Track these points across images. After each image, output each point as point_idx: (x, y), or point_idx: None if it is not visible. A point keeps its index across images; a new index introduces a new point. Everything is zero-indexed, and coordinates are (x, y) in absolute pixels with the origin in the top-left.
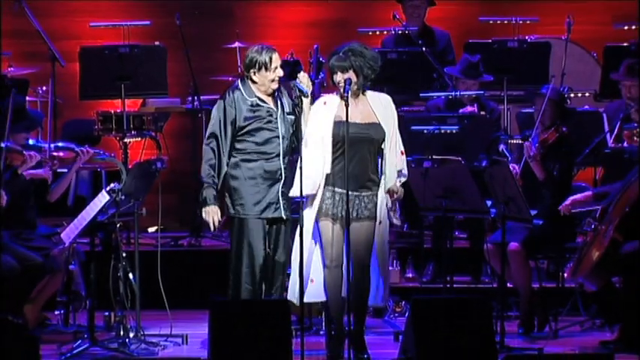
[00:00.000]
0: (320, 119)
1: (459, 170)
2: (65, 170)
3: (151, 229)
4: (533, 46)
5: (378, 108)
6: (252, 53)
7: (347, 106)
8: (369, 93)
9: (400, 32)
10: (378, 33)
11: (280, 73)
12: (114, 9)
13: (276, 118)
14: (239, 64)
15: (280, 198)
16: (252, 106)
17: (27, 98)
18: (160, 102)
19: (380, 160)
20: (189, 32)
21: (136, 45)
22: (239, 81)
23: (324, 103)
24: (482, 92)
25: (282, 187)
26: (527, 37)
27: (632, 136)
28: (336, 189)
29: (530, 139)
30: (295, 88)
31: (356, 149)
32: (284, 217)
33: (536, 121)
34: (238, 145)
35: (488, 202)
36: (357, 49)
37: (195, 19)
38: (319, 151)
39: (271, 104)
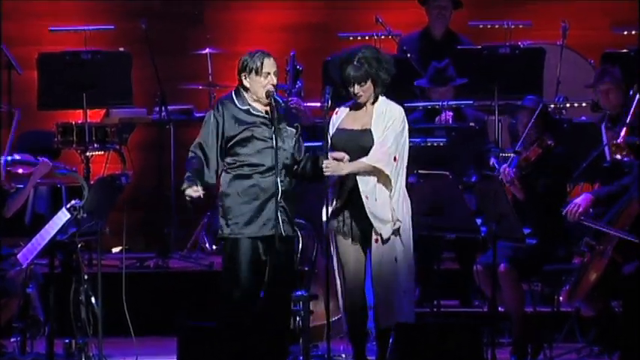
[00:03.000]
0: (330, 129)
1: (447, 186)
2: (21, 186)
3: (115, 250)
4: (526, 53)
5: (378, 115)
6: (245, 57)
7: (326, 115)
8: (381, 100)
9: (424, 33)
10: (359, 38)
11: (274, 80)
12: (75, 12)
13: (271, 128)
14: (210, 71)
15: (279, 214)
16: (244, 113)
17: None
18: (125, 112)
19: None
20: (155, 37)
21: (98, 51)
22: (234, 90)
23: (336, 112)
24: (470, 102)
25: (280, 202)
26: (519, 43)
27: (618, 151)
28: (337, 202)
29: (509, 161)
30: (271, 97)
31: (350, 158)
32: (284, 234)
33: (519, 136)
34: (229, 159)
35: (479, 220)
36: (370, 56)
37: (162, 23)
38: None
39: (265, 114)
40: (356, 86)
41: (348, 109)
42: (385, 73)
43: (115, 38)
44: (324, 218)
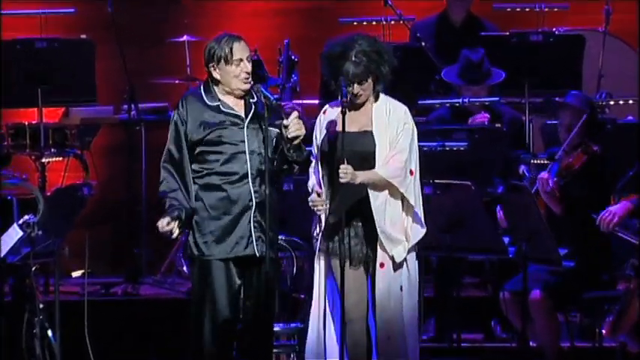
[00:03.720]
0: (317, 132)
1: (469, 198)
2: None
3: (76, 274)
4: (563, 40)
5: (380, 115)
6: (210, 44)
7: (344, 112)
8: (382, 98)
9: (441, 17)
10: (365, 24)
11: (248, 67)
12: None
13: (242, 129)
14: (188, 63)
15: (253, 231)
16: (212, 111)
17: None
18: (87, 111)
19: None
20: (124, 22)
21: (56, 38)
22: (202, 83)
23: (324, 112)
24: (496, 99)
25: (254, 217)
26: (554, 29)
27: None
28: (330, 217)
29: (548, 169)
30: (260, 93)
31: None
32: (257, 255)
33: (562, 139)
34: (196, 167)
35: (506, 239)
36: (370, 49)
37: (131, 5)
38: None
39: (239, 111)
40: (355, 85)
41: (340, 107)
42: (387, 66)
43: (75, 23)
44: (315, 235)
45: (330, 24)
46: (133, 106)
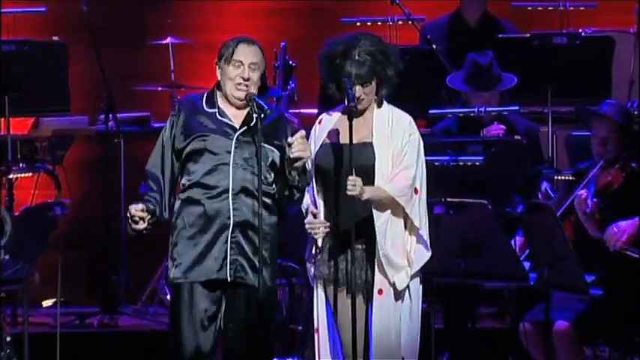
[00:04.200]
0: (311, 144)
1: (485, 218)
2: None
3: (47, 303)
4: (589, 43)
5: (381, 125)
6: (225, 42)
7: (351, 118)
8: (384, 107)
9: (454, 17)
10: (369, 24)
11: (246, 74)
12: None
13: (231, 139)
14: (172, 68)
15: (229, 252)
16: (206, 117)
17: None
18: (60, 122)
19: None
20: (100, 23)
21: (25, 41)
22: (212, 87)
23: (319, 121)
24: (515, 108)
25: (232, 237)
26: (580, 31)
27: None
28: (325, 240)
29: (583, 186)
30: (254, 102)
31: (344, 181)
32: (229, 280)
33: (596, 154)
34: (184, 179)
35: (526, 264)
36: (375, 49)
37: (109, 4)
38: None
39: (235, 121)
40: (358, 88)
41: (337, 116)
42: (392, 69)
43: (46, 24)
44: (311, 259)
45: (331, 24)
46: (110, 116)
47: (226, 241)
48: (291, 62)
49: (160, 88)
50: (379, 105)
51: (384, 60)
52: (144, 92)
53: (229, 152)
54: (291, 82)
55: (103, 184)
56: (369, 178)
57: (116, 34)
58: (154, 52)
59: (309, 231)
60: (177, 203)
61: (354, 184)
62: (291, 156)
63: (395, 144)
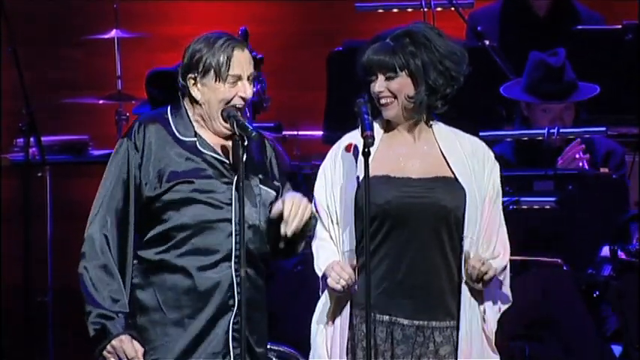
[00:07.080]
0: (332, 177)
1: (558, 282)
2: None
3: None
4: None
5: (454, 150)
6: (196, 44)
7: (367, 153)
8: (439, 126)
9: (512, 1)
10: (395, 11)
11: (247, 91)
12: None
13: (231, 184)
14: (119, 73)
15: (231, 344)
16: (184, 149)
17: None
18: None
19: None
20: (19, 14)
21: None
22: (170, 105)
23: (349, 148)
24: (602, 129)
25: (234, 323)
26: None
27: None
28: (376, 314)
29: None
30: (234, 121)
31: (410, 231)
32: None
33: None
34: (150, 234)
35: (616, 348)
36: (419, 34)
37: None
38: (330, 236)
39: (223, 155)
40: (379, 79)
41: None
42: (440, 73)
43: None
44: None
45: (341, 11)
46: (32, 140)
47: (227, 330)
48: (254, 53)
49: (100, 101)
50: (427, 122)
51: (422, 51)
52: (79, 106)
53: (230, 204)
54: (255, 83)
55: (23, 236)
56: (443, 225)
57: (41, 28)
58: (94, 51)
59: (335, 286)
60: (140, 268)
61: (481, 263)
62: (288, 233)
63: (478, 177)
